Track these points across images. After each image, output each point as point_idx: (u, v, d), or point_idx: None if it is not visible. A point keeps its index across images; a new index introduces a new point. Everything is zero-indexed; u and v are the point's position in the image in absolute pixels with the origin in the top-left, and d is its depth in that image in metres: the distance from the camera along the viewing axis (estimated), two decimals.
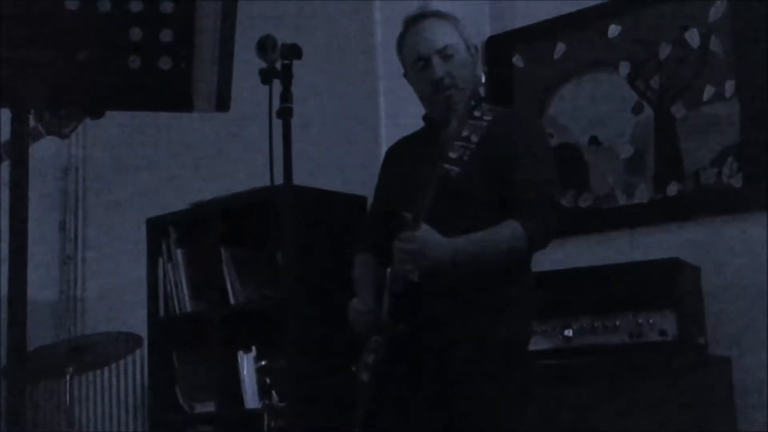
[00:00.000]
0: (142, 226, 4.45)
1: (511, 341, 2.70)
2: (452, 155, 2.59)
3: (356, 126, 4.25)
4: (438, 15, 2.86)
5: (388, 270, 2.64)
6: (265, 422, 3.52)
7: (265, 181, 3.86)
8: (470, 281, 2.62)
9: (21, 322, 1.51)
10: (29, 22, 1.67)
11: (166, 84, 1.76)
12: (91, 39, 1.72)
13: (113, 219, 5.12)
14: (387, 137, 3.99)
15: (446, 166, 2.57)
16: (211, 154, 4.71)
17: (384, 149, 3.16)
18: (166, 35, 1.73)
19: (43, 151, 4.22)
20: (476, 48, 2.89)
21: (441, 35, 2.80)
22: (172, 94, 1.78)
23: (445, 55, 2.78)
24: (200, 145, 4.71)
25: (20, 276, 1.54)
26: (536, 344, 3.18)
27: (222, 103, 1.79)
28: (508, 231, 2.62)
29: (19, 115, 1.69)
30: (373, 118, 4.18)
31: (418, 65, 2.81)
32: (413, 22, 2.86)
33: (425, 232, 2.55)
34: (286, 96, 2.14)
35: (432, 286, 2.58)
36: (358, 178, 4.01)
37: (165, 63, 1.74)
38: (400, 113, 3.46)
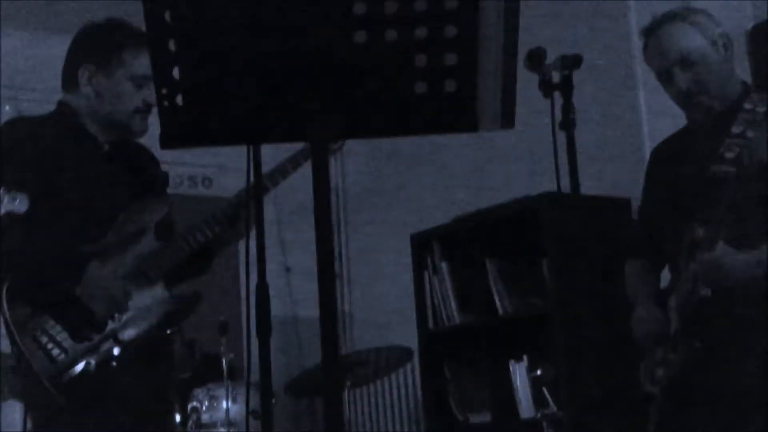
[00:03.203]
0: (405, 241, 4.56)
1: None
2: (727, 155, 2.48)
3: (617, 127, 4.18)
4: (673, 19, 2.65)
5: (671, 283, 2.56)
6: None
7: (521, 192, 3.90)
8: (759, 289, 2.51)
9: (333, 336, 1.59)
10: (323, 58, 1.74)
11: (451, 107, 1.79)
12: (378, 69, 1.77)
13: (377, 236, 5.26)
14: (649, 137, 3.90)
15: (719, 167, 2.47)
16: (469, 168, 4.76)
17: (646, 149, 3.08)
18: (450, 59, 1.75)
19: (305, 171, 4.39)
20: (728, 38, 2.66)
21: (678, 43, 2.62)
22: (457, 116, 1.81)
23: (686, 63, 2.60)
24: (458, 160, 4.76)
25: (330, 293, 1.62)
26: None
27: (507, 119, 1.80)
28: None
29: (318, 148, 1.76)
30: (634, 118, 4.11)
31: (662, 78, 2.69)
32: (650, 33, 2.70)
33: (724, 252, 2.44)
34: (567, 107, 2.13)
35: (723, 298, 2.50)
36: (621, 180, 3.94)
37: (450, 86, 1.77)
38: (661, 111, 3.37)
